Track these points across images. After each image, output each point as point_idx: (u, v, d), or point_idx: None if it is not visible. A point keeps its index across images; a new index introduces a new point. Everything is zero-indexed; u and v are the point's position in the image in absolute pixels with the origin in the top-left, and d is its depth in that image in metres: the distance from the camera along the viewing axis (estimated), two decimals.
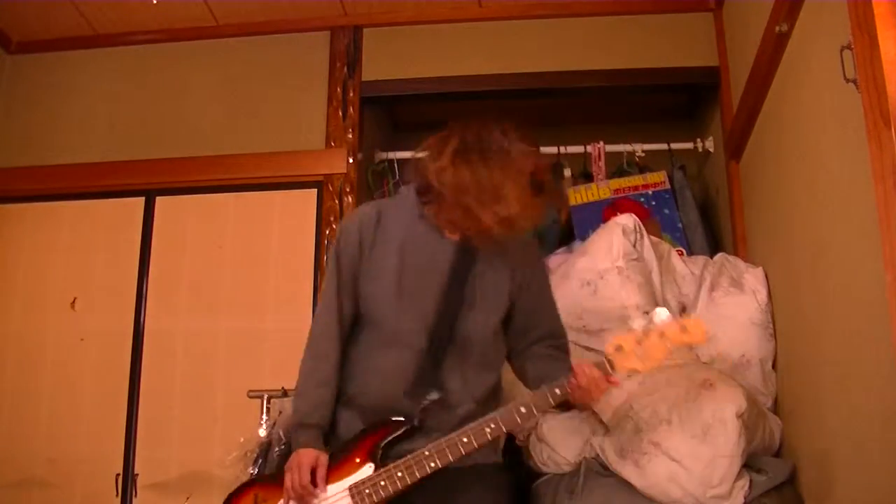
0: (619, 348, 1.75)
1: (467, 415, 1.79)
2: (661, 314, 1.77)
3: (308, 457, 1.75)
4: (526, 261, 1.94)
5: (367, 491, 1.71)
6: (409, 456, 1.72)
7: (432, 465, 1.70)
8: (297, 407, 1.83)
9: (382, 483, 1.70)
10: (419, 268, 1.83)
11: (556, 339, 1.97)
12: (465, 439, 1.71)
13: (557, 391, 1.75)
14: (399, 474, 1.70)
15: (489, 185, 1.72)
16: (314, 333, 1.88)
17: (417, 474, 1.70)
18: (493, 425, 1.73)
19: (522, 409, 1.73)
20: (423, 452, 1.71)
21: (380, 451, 1.75)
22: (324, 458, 1.75)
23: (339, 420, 1.84)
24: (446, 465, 1.71)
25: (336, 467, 1.76)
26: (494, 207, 1.72)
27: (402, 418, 1.77)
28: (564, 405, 1.84)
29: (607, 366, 1.75)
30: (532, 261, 1.98)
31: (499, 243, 1.82)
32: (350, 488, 1.73)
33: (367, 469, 1.74)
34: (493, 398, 1.89)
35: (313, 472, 1.73)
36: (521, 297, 1.91)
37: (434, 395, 1.76)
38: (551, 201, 1.88)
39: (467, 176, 1.73)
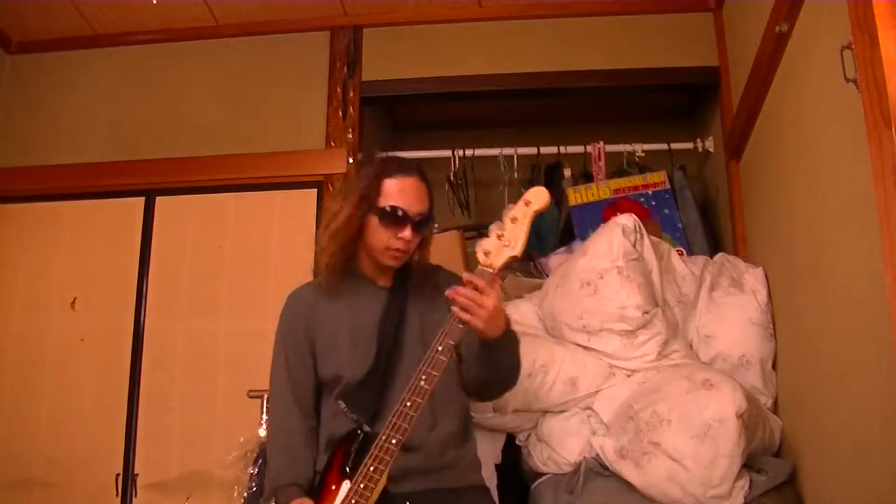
0: (487, 253, 1.77)
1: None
2: (505, 212, 1.84)
3: None
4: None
5: (353, 501, 1.68)
6: (371, 448, 1.69)
7: (394, 441, 1.66)
8: (269, 475, 1.89)
9: (363, 486, 1.67)
10: (362, 320, 1.92)
11: None
12: (408, 403, 1.67)
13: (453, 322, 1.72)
14: (371, 469, 1.67)
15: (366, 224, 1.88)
16: (272, 411, 1.97)
17: (387, 458, 1.66)
18: (439, 346, 1.69)
19: (439, 348, 1.70)
20: (381, 437, 1.68)
21: (348, 468, 1.75)
22: (309, 502, 1.77)
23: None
24: (406, 434, 1.66)
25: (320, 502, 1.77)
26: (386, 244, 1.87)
27: (349, 433, 1.80)
28: (486, 345, 1.79)
29: (488, 270, 1.74)
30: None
31: (428, 278, 1.96)
32: None
33: (345, 486, 1.73)
34: (463, 426, 1.94)
35: None
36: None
37: (365, 429, 1.79)
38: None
39: (351, 225, 1.89)
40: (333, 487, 1.76)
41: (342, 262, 1.94)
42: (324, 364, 1.93)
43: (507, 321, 1.79)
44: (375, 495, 1.68)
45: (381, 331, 1.90)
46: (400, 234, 1.87)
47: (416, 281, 1.97)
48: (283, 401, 1.93)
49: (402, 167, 1.92)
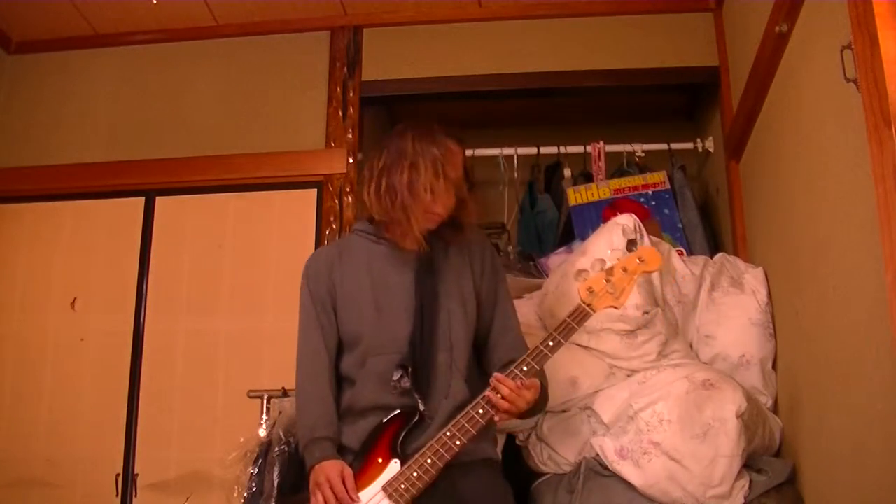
0: (591, 291, 1.83)
1: (465, 399, 1.81)
2: (615, 254, 1.91)
3: (333, 469, 1.73)
4: (481, 251, 2.04)
5: (402, 486, 1.69)
6: (432, 441, 1.72)
7: (458, 443, 1.70)
8: (303, 424, 1.85)
9: (416, 475, 1.69)
10: (387, 284, 1.91)
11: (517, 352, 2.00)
12: (479, 410, 1.73)
13: (481, 411, 1.76)
14: (429, 461, 1.69)
15: (413, 188, 1.84)
16: (301, 357, 1.94)
17: (447, 456, 1.70)
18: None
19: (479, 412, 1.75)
20: (446, 434, 1.71)
21: (399, 446, 1.75)
22: (348, 469, 1.74)
23: (341, 435, 1.85)
24: (470, 440, 1.72)
25: (359, 473, 1.74)
26: (423, 206, 1.85)
27: (407, 411, 1.79)
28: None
29: (588, 310, 1.82)
30: (485, 251, 2.06)
31: (454, 239, 1.97)
32: (384, 488, 1.71)
33: (394, 466, 1.73)
34: (476, 375, 1.94)
35: (344, 483, 1.72)
36: (482, 286, 1.99)
37: (400, 374, 1.80)
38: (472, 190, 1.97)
39: (393, 185, 1.86)
40: (381, 461, 1.74)
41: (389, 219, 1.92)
42: (345, 323, 1.91)
43: (542, 388, 1.82)
44: (425, 485, 1.69)
45: (417, 294, 1.88)
46: (444, 200, 1.88)
47: (442, 242, 1.96)
48: (314, 347, 1.91)
49: (448, 134, 1.94)
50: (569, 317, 1.83)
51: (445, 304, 1.90)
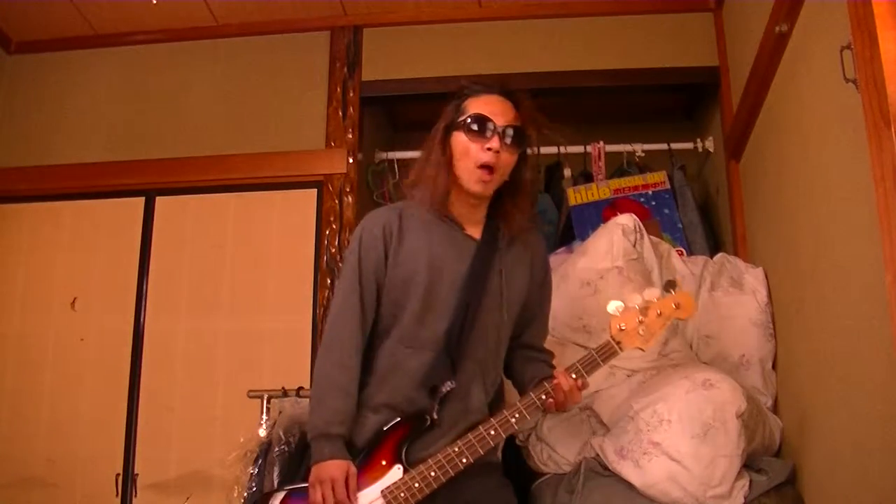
0: (622, 328, 1.81)
1: (479, 408, 1.81)
2: (653, 293, 1.85)
3: (339, 469, 1.68)
4: (542, 260, 2.01)
5: (402, 495, 1.67)
6: (439, 455, 1.70)
7: (464, 461, 1.69)
8: (318, 415, 1.74)
9: (417, 486, 1.67)
10: (441, 268, 1.82)
11: (540, 354, 2.01)
12: (492, 431, 1.72)
13: (543, 396, 1.78)
14: (433, 474, 1.68)
15: (467, 146, 1.80)
16: (334, 339, 1.79)
17: (451, 472, 1.68)
18: (517, 415, 1.76)
19: (516, 416, 1.76)
20: (454, 449, 1.70)
21: (404, 452, 1.72)
22: (353, 469, 1.70)
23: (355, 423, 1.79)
24: (477, 459, 1.71)
25: (361, 472, 1.71)
26: (464, 154, 1.80)
27: (417, 415, 1.75)
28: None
29: (616, 348, 1.81)
30: (545, 261, 2.04)
31: (519, 238, 1.91)
32: (384, 493, 1.69)
33: (397, 471, 1.71)
34: (499, 391, 1.93)
35: (346, 485, 1.68)
36: (533, 295, 1.96)
37: (450, 385, 1.75)
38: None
39: (451, 148, 1.83)
40: (384, 463, 1.72)
41: (443, 187, 1.81)
42: (390, 303, 1.81)
43: None
44: (425, 497, 1.68)
45: (464, 292, 1.80)
46: (488, 145, 1.77)
47: (507, 236, 1.89)
48: (351, 328, 1.78)
49: (484, 85, 1.87)
50: (596, 351, 1.82)
51: (490, 308, 1.83)
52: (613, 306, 1.82)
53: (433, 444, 1.75)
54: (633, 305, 1.82)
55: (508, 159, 1.82)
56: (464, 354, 1.79)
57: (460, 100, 1.86)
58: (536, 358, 1.98)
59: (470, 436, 1.72)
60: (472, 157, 1.79)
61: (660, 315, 1.82)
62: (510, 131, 1.80)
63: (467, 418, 1.78)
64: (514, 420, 1.75)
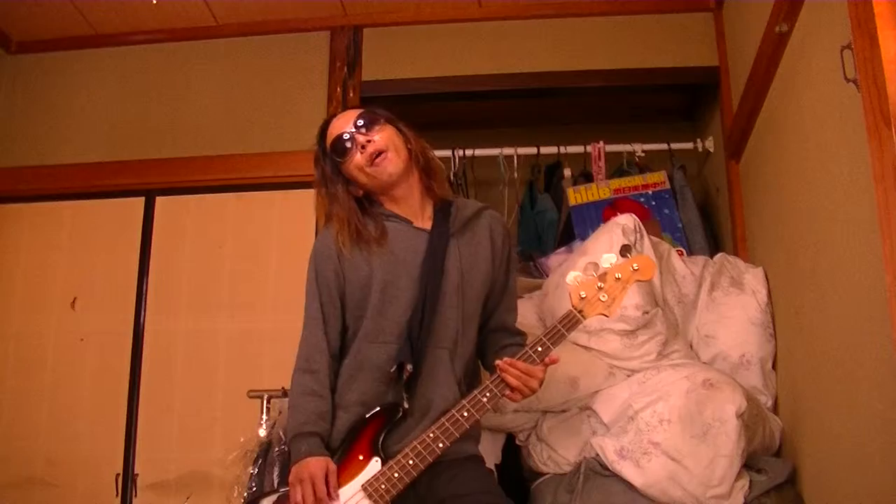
0: (583, 297, 1.80)
1: (450, 394, 1.81)
2: (610, 258, 1.84)
3: (317, 466, 1.70)
4: (501, 235, 2.00)
5: (383, 487, 1.69)
6: (415, 442, 1.71)
7: (440, 445, 1.70)
8: (293, 419, 1.80)
9: (397, 475, 1.69)
10: (396, 263, 1.86)
11: (513, 338, 2.00)
12: (465, 413, 1.73)
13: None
14: (411, 462, 1.69)
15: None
16: (302, 348, 1.88)
17: (429, 458, 1.69)
18: (487, 394, 1.76)
19: (487, 395, 1.76)
20: (429, 435, 1.71)
21: (380, 444, 1.74)
22: (333, 466, 1.72)
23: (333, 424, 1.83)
24: (453, 442, 1.71)
25: (340, 470, 1.73)
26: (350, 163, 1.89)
27: (390, 406, 1.77)
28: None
29: (579, 317, 1.80)
30: (505, 236, 2.03)
31: (472, 220, 1.94)
32: (364, 487, 1.70)
33: (375, 464, 1.72)
34: (472, 374, 1.93)
35: (326, 482, 1.69)
36: (498, 272, 1.97)
37: (409, 369, 1.77)
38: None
39: (343, 180, 1.92)
40: (361, 458, 1.74)
41: (357, 221, 1.89)
42: (353, 307, 1.86)
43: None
44: (404, 488, 1.69)
45: (422, 282, 1.83)
46: (361, 149, 1.87)
47: (458, 222, 1.93)
48: (314, 335, 1.85)
49: (324, 123, 2.00)
50: (559, 322, 1.81)
51: (451, 293, 1.85)
52: (571, 276, 1.81)
53: (408, 433, 1.76)
54: (591, 274, 1.81)
55: (384, 137, 1.89)
56: (429, 342, 1.81)
57: (321, 145, 1.96)
58: (510, 343, 1.96)
59: (444, 420, 1.72)
60: (362, 166, 1.88)
61: (619, 279, 1.81)
62: (359, 122, 1.90)
63: (439, 405, 1.79)
64: (485, 399, 1.75)
